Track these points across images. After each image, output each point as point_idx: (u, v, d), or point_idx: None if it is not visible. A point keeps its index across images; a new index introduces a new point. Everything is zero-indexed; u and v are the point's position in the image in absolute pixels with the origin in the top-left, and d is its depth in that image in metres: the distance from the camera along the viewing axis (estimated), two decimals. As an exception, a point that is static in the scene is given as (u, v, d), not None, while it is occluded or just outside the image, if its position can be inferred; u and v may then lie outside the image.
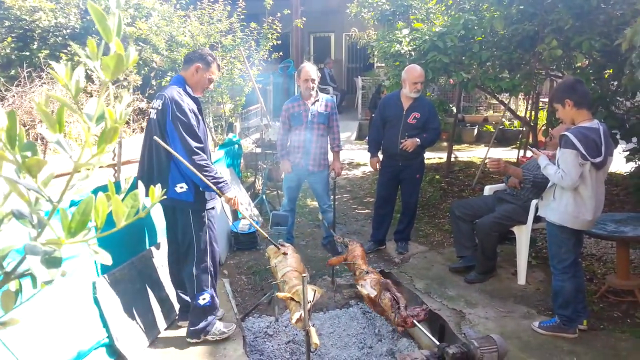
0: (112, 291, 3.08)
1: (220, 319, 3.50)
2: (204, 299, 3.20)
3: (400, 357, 2.55)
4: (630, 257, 3.97)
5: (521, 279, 4.18)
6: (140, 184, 0.72)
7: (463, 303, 3.88)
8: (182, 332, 3.39)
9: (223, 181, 3.17)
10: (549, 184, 3.40)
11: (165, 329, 3.45)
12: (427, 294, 4.04)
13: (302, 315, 2.57)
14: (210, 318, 3.27)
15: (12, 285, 0.69)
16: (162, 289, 3.55)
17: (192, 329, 3.24)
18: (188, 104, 3.09)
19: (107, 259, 0.69)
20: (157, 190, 0.71)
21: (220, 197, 3.20)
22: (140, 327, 3.21)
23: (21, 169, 0.65)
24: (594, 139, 3.07)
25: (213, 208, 3.34)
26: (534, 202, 4.10)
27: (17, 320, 0.68)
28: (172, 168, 3.09)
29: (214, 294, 3.30)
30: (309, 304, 2.61)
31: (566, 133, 3.11)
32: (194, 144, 3.04)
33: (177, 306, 3.58)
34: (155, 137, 2.95)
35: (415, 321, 2.76)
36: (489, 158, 7.70)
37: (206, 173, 3.05)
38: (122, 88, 8.21)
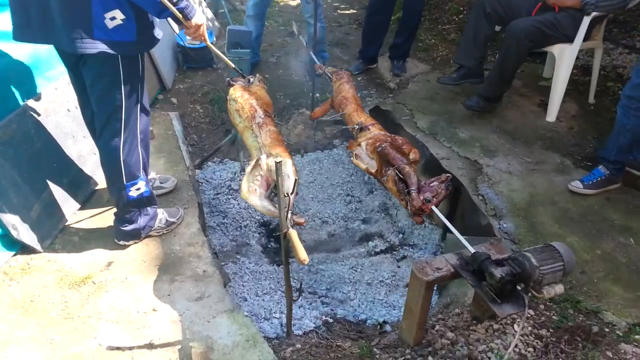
0: (-5, 159, 2.10)
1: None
2: (137, 189, 2.21)
3: (416, 268, 1.80)
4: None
5: (551, 115, 3.32)
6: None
7: (478, 149, 3.06)
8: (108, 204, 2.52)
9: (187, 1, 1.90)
10: None
11: (86, 202, 2.56)
12: (432, 136, 3.19)
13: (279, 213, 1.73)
14: (151, 211, 2.34)
15: None
16: (71, 147, 2.56)
17: (126, 229, 2.28)
18: None
19: None
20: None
21: (181, 23, 1.95)
22: (49, 202, 2.33)
23: None
24: None
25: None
26: (586, 18, 3.00)
27: None
28: None
29: (148, 181, 2.29)
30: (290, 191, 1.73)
31: None
32: None
33: (98, 172, 2.64)
34: None
35: (434, 207, 1.94)
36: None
37: None
38: None
